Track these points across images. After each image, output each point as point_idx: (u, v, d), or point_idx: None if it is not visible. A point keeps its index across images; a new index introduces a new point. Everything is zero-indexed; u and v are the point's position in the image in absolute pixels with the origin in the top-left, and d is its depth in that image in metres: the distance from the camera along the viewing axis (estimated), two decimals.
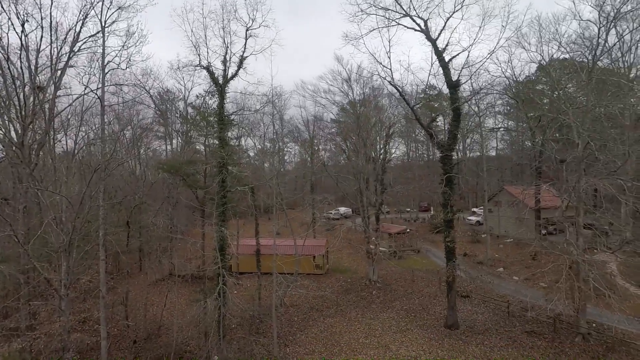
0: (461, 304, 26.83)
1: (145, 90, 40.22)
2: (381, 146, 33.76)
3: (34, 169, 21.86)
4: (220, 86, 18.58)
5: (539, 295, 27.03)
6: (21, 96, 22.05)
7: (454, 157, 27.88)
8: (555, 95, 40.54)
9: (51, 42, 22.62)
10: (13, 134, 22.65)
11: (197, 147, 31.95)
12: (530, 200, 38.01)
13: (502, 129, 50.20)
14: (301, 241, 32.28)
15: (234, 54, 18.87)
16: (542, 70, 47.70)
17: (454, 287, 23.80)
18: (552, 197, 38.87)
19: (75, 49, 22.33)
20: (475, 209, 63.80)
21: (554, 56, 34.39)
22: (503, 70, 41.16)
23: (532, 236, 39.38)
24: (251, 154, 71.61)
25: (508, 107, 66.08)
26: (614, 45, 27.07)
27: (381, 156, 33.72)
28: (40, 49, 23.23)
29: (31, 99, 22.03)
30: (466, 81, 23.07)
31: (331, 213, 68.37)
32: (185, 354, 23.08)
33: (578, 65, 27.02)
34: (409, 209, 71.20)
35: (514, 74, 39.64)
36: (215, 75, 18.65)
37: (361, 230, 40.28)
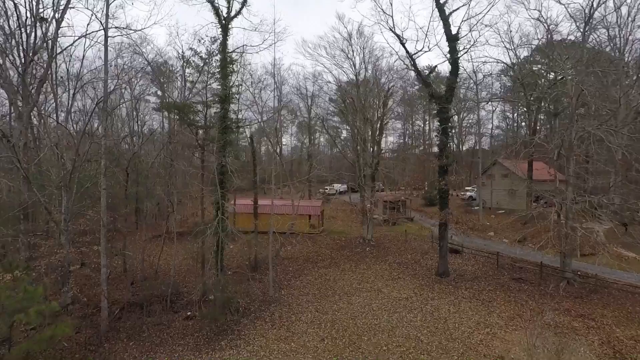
0: (452, 259, 27.56)
1: (144, 57, 40.22)
2: (379, 106, 34.08)
3: (35, 105, 21.93)
4: (224, 20, 18.72)
5: (528, 254, 27.96)
6: (23, 33, 22.03)
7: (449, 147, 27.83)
8: (551, 76, 41.21)
9: None
10: (13, 71, 22.63)
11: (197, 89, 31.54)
12: (522, 167, 38.82)
13: (498, 100, 50.56)
14: (297, 201, 32.78)
15: None
16: (539, 51, 48.27)
17: (446, 237, 24.49)
18: (544, 170, 39.71)
19: None
20: (468, 187, 64.86)
21: (552, 16, 34.59)
22: (502, 39, 41.29)
23: (523, 207, 40.29)
24: (248, 133, 71.81)
25: (504, 90, 66.79)
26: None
27: (378, 118, 34.06)
28: None
29: (32, 35, 22.02)
30: (466, 35, 23.34)
31: (327, 189, 68.97)
32: (182, 295, 23.58)
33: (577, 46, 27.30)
34: (403, 188, 72.12)
35: (513, 43, 39.84)
36: (220, 11, 18.76)
37: (356, 202, 40.84)
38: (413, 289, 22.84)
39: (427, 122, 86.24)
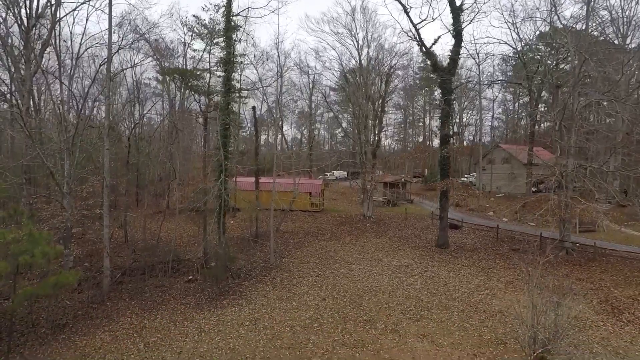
0: (452, 233, 27.69)
1: (145, 39, 39.98)
2: (382, 83, 34.03)
3: (39, 68, 21.87)
4: None
5: (527, 230, 28.13)
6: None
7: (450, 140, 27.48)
8: (553, 63, 41.19)
9: None
10: (17, 35, 22.52)
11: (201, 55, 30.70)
12: (523, 154, 38.92)
13: (499, 82, 50.46)
14: (298, 179, 32.88)
15: None
16: (541, 38, 48.22)
17: (446, 208, 24.60)
18: (544, 153, 39.79)
19: None
20: (467, 175, 65.21)
21: None
22: (505, 19, 41.11)
23: (523, 191, 40.46)
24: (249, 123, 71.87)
25: (506, 76, 66.55)
26: None
27: (380, 95, 34.03)
28: None
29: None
30: (470, 6, 23.25)
31: (327, 175, 69.23)
32: (183, 262, 23.66)
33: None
34: (403, 176, 72.34)
35: (515, 23, 39.69)
36: None
37: (357, 182, 40.95)
38: (413, 258, 23.01)
39: (427, 113, 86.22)
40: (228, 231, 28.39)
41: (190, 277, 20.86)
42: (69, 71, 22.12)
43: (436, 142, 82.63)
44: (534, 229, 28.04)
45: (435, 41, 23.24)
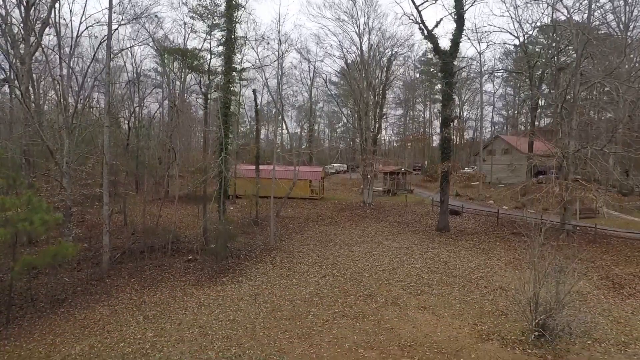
0: (452, 219, 27.60)
1: (145, 28, 39.73)
2: (382, 73, 33.87)
3: (37, 49, 21.71)
4: None
5: (528, 217, 28.07)
6: None
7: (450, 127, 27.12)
8: (552, 55, 41.01)
9: None
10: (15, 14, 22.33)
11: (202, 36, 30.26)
12: (524, 145, 38.81)
13: (501, 71, 50.25)
14: (298, 167, 32.77)
15: None
16: (542, 31, 48.02)
17: (447, 191, 24.54)
18: (545, 144, 39.65)
19: None
20: (466, 168, 65.14)
21: None
22: (507, 7, 40.89)
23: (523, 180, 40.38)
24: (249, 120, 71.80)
25: (507, 71, 66.34)
26: None
27: (381, 81, 33.88)
28: None
29: None
30: None
31: (326, 167, 69.14)
32: (183, 244, 23.60)
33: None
34: (403, 169, 72.27)
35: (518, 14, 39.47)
36: None
37: (357, 172, 40.83)
38: (413, 241, 22.97)
39: (428, 107, 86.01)
40: (228, 215, 28.41)
41: (190, 257, 20.82)
42: (68, 51, 21.91)
43: (436, 138, 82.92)
44: (535, 215, 28.01)
45: (437, 24, 23.08)
